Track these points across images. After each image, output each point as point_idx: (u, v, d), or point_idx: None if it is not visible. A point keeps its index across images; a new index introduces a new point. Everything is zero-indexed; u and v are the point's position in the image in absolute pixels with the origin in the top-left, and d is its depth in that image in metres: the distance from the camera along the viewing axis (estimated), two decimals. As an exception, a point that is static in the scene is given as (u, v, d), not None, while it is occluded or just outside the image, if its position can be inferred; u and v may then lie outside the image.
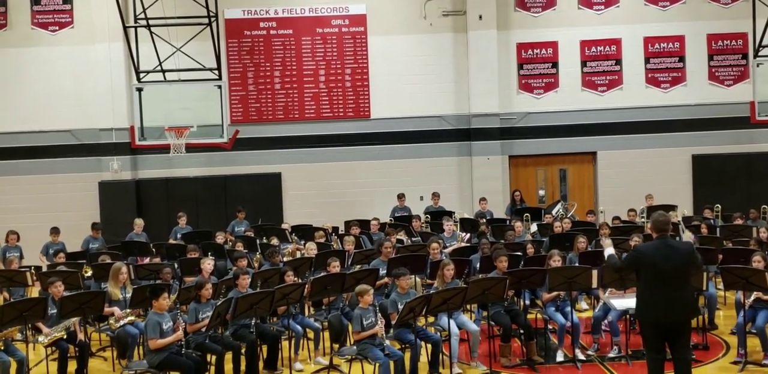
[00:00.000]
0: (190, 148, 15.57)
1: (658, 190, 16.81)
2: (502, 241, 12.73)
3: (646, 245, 8.08)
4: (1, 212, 17.50)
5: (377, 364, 8.50)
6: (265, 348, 9.65)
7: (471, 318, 10.32)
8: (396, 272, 9.50)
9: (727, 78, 18.66)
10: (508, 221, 15.17)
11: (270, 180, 18.43)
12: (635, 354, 9.51)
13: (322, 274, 10.53)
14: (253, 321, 9.42)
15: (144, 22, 14.85)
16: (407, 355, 8.95)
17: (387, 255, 11.25)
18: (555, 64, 18.68)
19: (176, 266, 12.17)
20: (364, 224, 14.94)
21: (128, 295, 10.13)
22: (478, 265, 11.35)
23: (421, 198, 17.94)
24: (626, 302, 9.07)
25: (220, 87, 15.05)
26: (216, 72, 15.26)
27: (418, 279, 11.17)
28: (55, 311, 9.38)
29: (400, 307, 8.75)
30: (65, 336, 9.29)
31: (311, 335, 10.14)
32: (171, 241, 15.15)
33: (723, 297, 12.13)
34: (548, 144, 18.70)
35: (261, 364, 9.48)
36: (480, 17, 18.22)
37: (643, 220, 14.98)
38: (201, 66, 15.13)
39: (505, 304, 9.73)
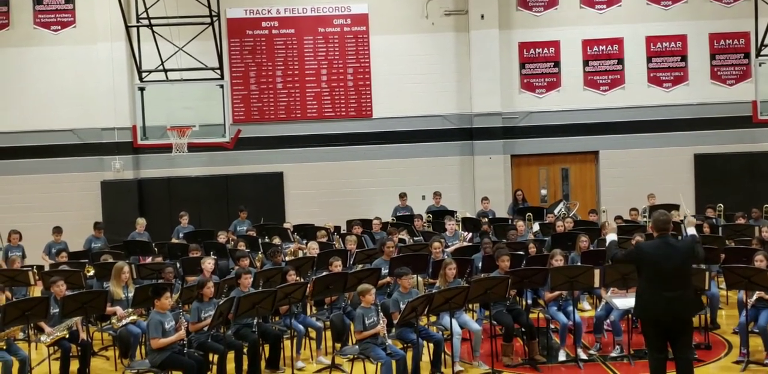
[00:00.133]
0: (192, 147, 15.60)
1: (660, 189, 16.80)
2: (504, 240, 12.72)
3: (648, 243, 8.08)
4: (4, 211, 17.52)
5: (379, 363, 8.50)
6: (267, 348, 9.65)
7: (473, 318, 10.31)
8: (398, 272, 9.50)
9: (729, 77, 18.65)
10: (510, 221, 15.14)
11: (272, 179, 18.44)
12: (637, 353, 9.51)
13: (324, 273, 10.53)
14: (255, 321, 9.42)
15: (146, 22, 14.88)
16: (409, 355, 8.95)
17: (389, 255, 11.25)
18: (557, 64, 18.67)
19: (178, 265, 12.17)
20: (366, 224, 14.93)
21: (130, 294, 10.14)
22: (480, 264, 11.35)
23: (423, 197, 17.95)
24: (628, 301, 9.05)
25: (222, 86, 15.08)
26: (218, 71, 15.29)
27: (420, 279, 11.16)
28: (57, 310, 9.38)
29: (402, 306, 8.74)
30: (67, 336, 9.29)
31: (313, 334, 10.14)
32: (173, 240, 15.16)
33: (725, 297, 12.12)
34: (550, 143, 18.70)
35: (263, 363, 9.48)
36: (482, 17, 18.22)
37: (645, 219, 14.97)
38: (203, 65, 15.15)
39: (507, 303, 9.72)
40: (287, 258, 12.58)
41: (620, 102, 18.58)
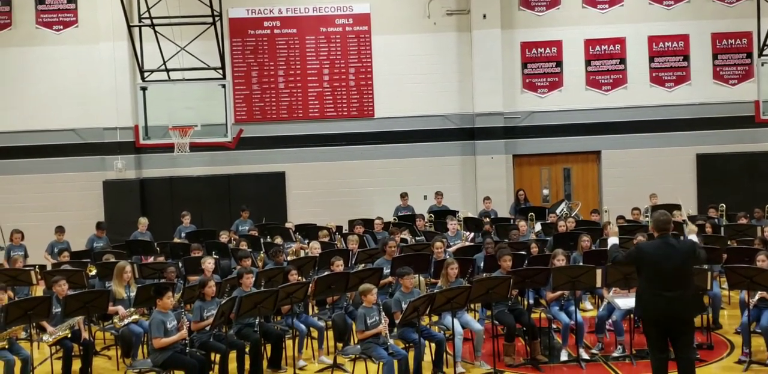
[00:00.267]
0: (194, 147, 15.59)
1: (662, 189, 16.79)
2: (506, 240, 12.72)
3: (648, 243, 8.08)
4: (6, 211, 17.52)
5: (381, 363, 8.50)
6: (269, 347, 9.65)
7: (475, 317, 10.31)
8: (400, 272, 9.50)
9: (732, 77, 18.63)
10: (512, 221, 15.16)
11: (274, 179, 18.45)
12: (639, 353, 9.49)
13: (326, 273, 10.54)
14: (257, 320, 9.42)
15: (148, 22, 14.89)
16: (411, 354, 8.96)
17: (391, 254, 11.25)
18: (559, 64, 18.66)
19: (180, 265, 12.16)
20: (367, 224, 14.93)
21: (132, 294, 10.16)
22: (482, 264, 11.34)
23: (425, 197, 17.95)
24: (630, 301, 9.02)
25: (224, 86, 15.07)
26: (220, 71, 15.29)
27: (422, 278, 11.15)
28: (59, 310, 9.39)
29: (404, 306, 8.74)
30: (69, 335, 9.30)
31: (315, 334, 10.14)
32: (175, 240, 15.16)
33: (727, 297, 12.11)
34: (552, 143, 18.69)
35: (265, 363, 9.48)
36: (484, 16, 18.21)
37: (647, 219, 14.96)
38: (205, 65, 15.16)
39: (509, 303, 9.72)
40: (289, 258, 12.58)
41: (622, 102, 18.57)
